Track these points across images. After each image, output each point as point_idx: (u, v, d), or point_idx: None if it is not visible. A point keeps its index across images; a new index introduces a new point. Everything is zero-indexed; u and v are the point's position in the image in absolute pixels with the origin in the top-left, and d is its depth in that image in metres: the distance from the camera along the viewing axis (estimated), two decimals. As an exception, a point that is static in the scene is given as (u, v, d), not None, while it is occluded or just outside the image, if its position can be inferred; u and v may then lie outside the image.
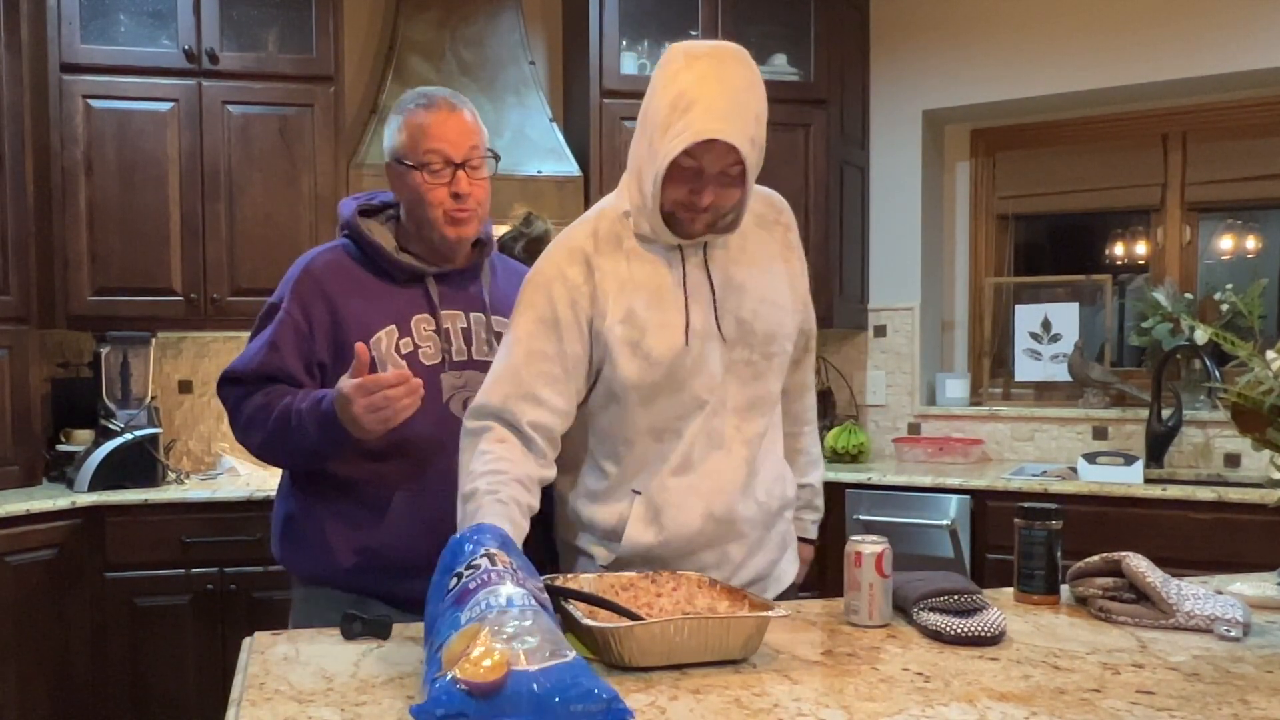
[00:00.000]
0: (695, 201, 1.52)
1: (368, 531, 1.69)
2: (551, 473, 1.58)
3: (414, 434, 1.65)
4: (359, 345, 1.56)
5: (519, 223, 3.02)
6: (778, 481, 1.71)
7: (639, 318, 1.57)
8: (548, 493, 1.65)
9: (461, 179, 1.70)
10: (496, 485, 1.47)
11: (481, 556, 1.16)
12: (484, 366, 1.68)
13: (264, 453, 1.75)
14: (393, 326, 1.70)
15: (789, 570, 1.77)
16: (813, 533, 1.88)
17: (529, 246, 2.99)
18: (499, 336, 1.72)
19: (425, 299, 1.75)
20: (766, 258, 1.68)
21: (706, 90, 1.46)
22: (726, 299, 1.61)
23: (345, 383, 1.55)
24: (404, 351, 1.70)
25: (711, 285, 1.61)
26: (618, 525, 1.61)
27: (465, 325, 1.76)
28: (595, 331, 1.58)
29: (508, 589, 1.10)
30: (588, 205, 3.57)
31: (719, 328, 1.60)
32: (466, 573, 1.14)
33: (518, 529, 1.44)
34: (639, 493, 1.61)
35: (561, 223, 3.67)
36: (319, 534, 1.71)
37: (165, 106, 3.27)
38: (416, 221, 1.74)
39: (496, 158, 1.76)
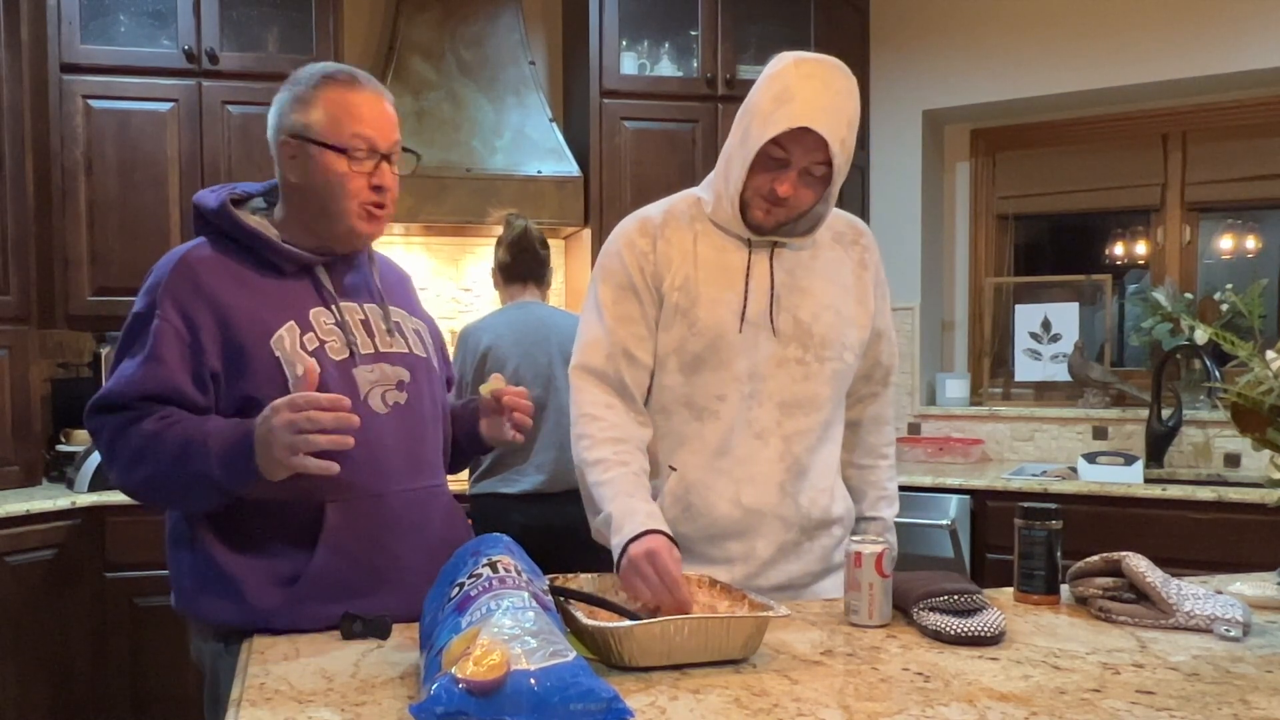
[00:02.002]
0: (775, 190, 1.59)
1: (299, 558, 1.46)
2: (649, 431, 1.71)
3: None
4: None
5: (504, 227, 3.03)
6: (825, 494, 1.73)
7: (694, 288, 1.67)
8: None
9: (385, 171, 1.53)
10: (625, 456, 1.62)
11: (484, 565, 1.17)
12: (392, 359, 1.57)
13: (149, 489, 1.46)
14: (291, 322, 1.48)
15: (831, 592, 1.73)
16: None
17: (510, 248, 3.00)
18: (398, 328, 1.62)
19: (317, 291, 1.54)
20: (837, 271, 1.73)
21: (809, 87, 1.55)
22: (788, 298, 1.68)
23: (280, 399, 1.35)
24: (310, 348, 1.48)
25: (773, 281, 1.67)
26: (653, 499, 1.66)
27: (363, 317, 1.57)
28: (660, 294, 1.68)
29: (509, 592, 1.10)
30: (588, 205, 3.59)
31: (772, 321, 1.66)
32: (468, 581, 1.15)
33: (646, 495, 1.59)
34: (675, 469, 1.68)
35: (560, 222, 3.68)
36: (244, 574, 1.46)
37: (165, 106, 3.27)
38: (318, 211, 1.53)
39: (418, 156, 1.61)
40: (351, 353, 1.52)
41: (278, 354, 1.46)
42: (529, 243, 2.97)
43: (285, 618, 1.44)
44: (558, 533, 2.55)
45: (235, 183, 1.63)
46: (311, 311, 1.52)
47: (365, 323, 1.57)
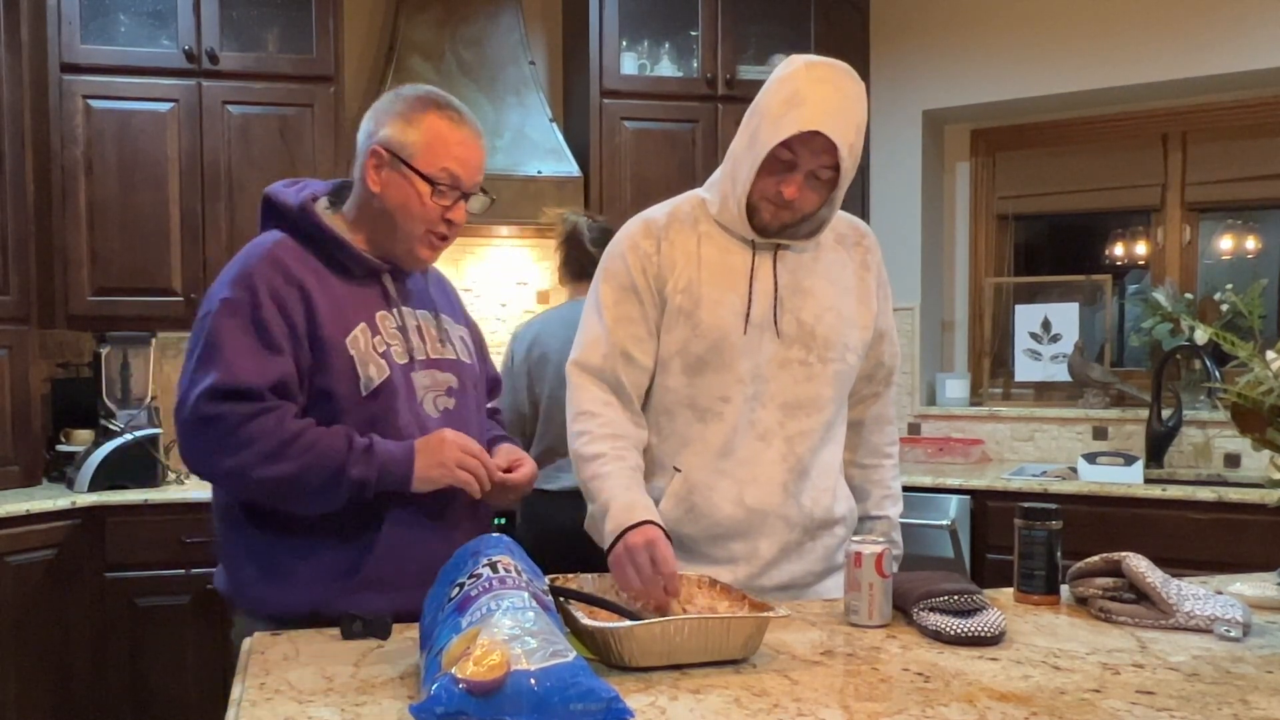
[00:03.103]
0: (781, 192, 1.59)
1: (355, 550, 1.53)
2: (645, 433, 1.71)
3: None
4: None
5: (563, 225, 3.02)
6: (828, 494, 1.73)
7: (697, 290, 1.67)
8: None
9: (460, 208, 1.61)
10: (623, 451, 1.64)
11: (484, 565, 1.17)
12: (443, 365, 1.64)
13: (280, 483, 1.48)
14: (364, 324, 1.57)
15: (833, 592, 1.73)
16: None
17: (561, 246, 2.99)
18: (448, 335, 1.69)
19: (382, 295, 1.62)
20: (840, 273, 1.74)
21: (820, 90, 1.55)
22: (790, 299, 1.68)
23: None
24: (379, 350, 1.57)
25: (776, 283, 1.68)
26: (656, 500, 1.67)
27: (417, 323, 1.65)
28: (663, 297, 1.69)
29: (509, 592, 1.10)
30: (588, 205, 3.59)
31: (776, 322, 1.67)
32: (468, 581, 1.15)
33: (644, 491, 1.60)
34: (679, 470, 1.69)
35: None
36: (300, 562, 1.53)
37: (165, 106, 3.27)
38: (387, 225, 1.60)
39: (492, 199, 1.66)
40: (411, 357, 1.61)
41: (352, 353, 1.53)
42: (578, 240, 2.96)
43: (341, 608, 1.46)
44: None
45: (302, 179, 1.69)
46: (378, 315, 1.60)
47: (419, 329, 1.65)
